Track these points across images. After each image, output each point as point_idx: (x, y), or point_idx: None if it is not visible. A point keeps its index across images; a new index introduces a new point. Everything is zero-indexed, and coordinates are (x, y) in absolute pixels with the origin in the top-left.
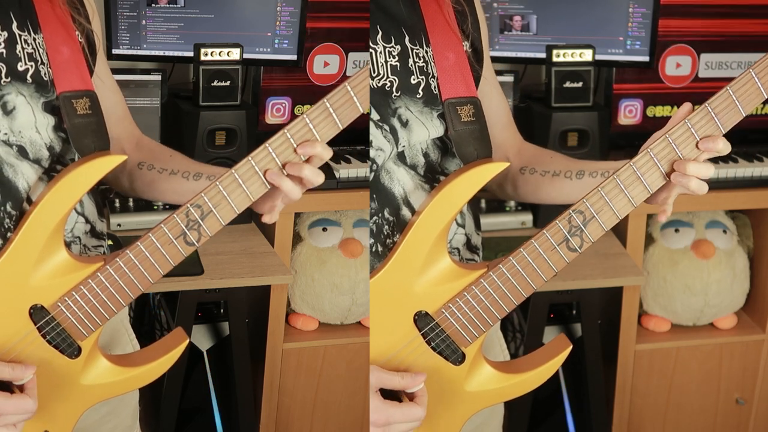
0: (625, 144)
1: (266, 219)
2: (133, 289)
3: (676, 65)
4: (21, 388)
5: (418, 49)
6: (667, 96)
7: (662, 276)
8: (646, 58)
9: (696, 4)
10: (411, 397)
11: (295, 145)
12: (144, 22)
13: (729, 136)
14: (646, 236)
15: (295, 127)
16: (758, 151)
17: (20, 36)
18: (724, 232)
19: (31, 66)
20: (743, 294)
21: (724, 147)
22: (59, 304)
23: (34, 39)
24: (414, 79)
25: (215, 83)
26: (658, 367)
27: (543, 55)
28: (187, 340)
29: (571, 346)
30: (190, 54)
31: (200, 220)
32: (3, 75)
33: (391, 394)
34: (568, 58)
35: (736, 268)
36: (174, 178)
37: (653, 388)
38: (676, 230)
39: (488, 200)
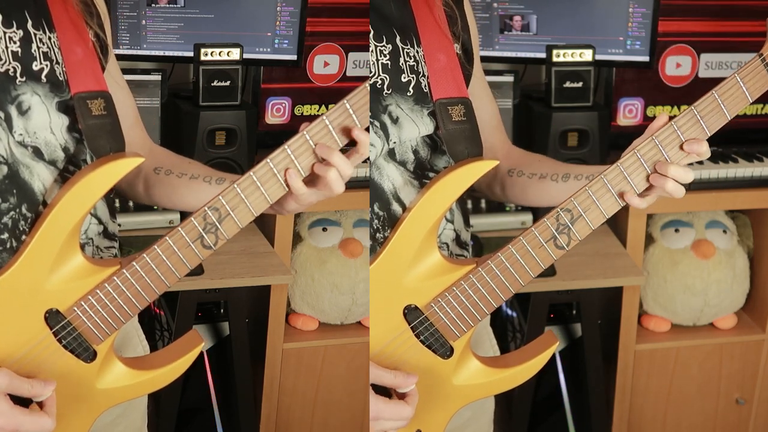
0: (625, 144)
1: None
2: (149, 293)
3: (676, 65)
4: (40, 404)
5: (409, 49)
6: (667, 96)
7: (662, 276)
8: (646, 58)
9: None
10: (402, 395)
11: (314, 147)
12: (144, 22)
13: (729, 136)
14: (646, 236)
15: (314, 129)
16: (758, 151)
17: (35, 35)
18: (724, 232)
19: (46, 65)
20: (743, 294)
21: (706, 151)
22: (75, 309)
23: (49, 38)
24: (404, 78)
25: (215, 83)
26: (658, 367)
27: (543, 55)
28: (203, 343)
29: (557, 342)
30: (190, 54)
31: (218, 223)
32: (18, 74)
33: (383, 389)
34: (568, 58)
35: (736, 268)
36: (195, 183)
37: (653, 388)
38: (676, 230)
39: (488, 200)
